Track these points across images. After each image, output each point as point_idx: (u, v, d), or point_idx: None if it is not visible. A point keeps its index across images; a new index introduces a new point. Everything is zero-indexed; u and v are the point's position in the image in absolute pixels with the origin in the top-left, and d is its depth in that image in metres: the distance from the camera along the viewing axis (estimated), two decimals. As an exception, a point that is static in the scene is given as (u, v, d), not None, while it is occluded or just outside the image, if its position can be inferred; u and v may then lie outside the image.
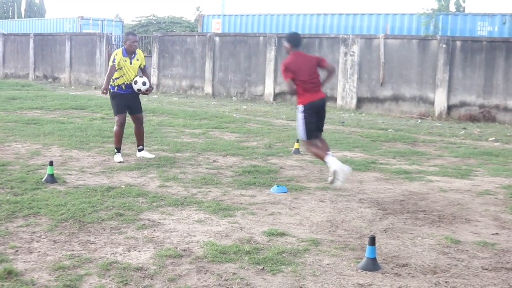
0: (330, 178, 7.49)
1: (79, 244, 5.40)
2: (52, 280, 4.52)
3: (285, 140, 12.31)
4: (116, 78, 9.45)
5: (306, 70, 7.88)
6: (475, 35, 22.70)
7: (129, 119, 9.87)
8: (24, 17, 59.85)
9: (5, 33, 36.70)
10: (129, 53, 9.51)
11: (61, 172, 8.40)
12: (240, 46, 23.56)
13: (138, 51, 9.66)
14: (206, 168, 9.16)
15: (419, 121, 17.87)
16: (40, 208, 6.46)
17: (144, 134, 10.12)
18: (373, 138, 13.10)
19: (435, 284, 4.71)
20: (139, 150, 9.90)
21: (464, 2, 28.94)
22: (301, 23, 28.05)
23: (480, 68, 18.20)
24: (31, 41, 31.32)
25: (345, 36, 21.03)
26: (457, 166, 10.08)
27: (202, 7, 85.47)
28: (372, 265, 4.96)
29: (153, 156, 9.84)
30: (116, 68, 9.38)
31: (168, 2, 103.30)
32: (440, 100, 18.73)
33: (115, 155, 9.55)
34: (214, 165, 9.46)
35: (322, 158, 7.71)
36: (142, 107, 10.04)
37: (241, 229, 6.02)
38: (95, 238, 5.59)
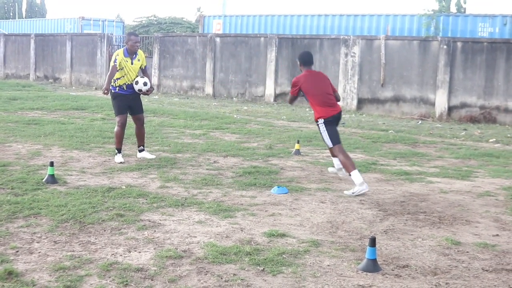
0: (349, 192, 7.92)
1: (79, 244, 5.40)
2: (52, 281, 4.52)
3: (286, 141, 12.31)
4: (117, 79, 9.46)
5: (320, 86, 8.40)
6: (476, 36, 22.72)
7: (129, 119, 9.87)
8: (25, 18, 59.88)
9: (6, 33, 36.74)
10: (130, 53, 9.51)
11: (62, 172, 8.40)
12: (241, 46, 23.57)
13: (139, 52, 9.66)
14: (207, 169, 9.16)
15: (420, 122, 17.88)
16: (40, 209, 6.46)
17: (145, 135, 10.12)
18: (374, 139, 13.09)
19: (435, 286, 4.71)
20: (140, 151, 9.90)
21: (465, 3, 28.99)
22: (302, 24, 28.08)
23: (481, 69, 18.20)
24: (32, 41, 31.33)
25: (346, 37, 21.03)
26: (457, 167, 10.08)
27: (203, 8, 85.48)
28: (373, 266, 4.96)
29: (153, 156, 9.84)
30: (118, 69, 9.39)
31: (169, 3, 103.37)
32: (440, 101, 18.73)
33: (116, 156, 9.55)
34: (214, 166, 9.46)
35: (348, 170, 8.02)
36: (143, 107, 10.04)
37: (242, 230, 6.02)
38: (96, 238, 5.59)
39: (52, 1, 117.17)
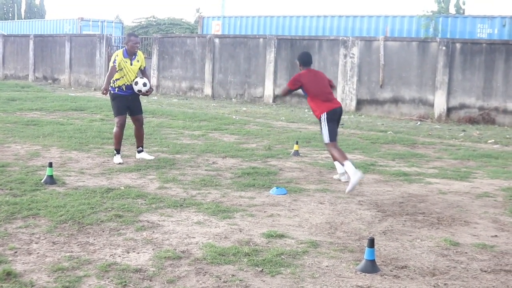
0: (341, 178, 8.51)
1: (78, 245, 5.40)
2: (51, 282, 4.52)
3: (285, 142, 12.31)
4: (116, 79, 9.46)
5: (320, 85, 8.74)
6: (474, 37, 22.73)
7: (128, 120, 9.88)
8: (24, 18, 59.82)
9: (5, 34, 36.72)
10: (130, 54, 9.52)
11: (61, 173, 8.40)
12: (239, 47, 23.57)
13: (139, 53, 9.67)
14: (206, 170, 9.16)
15: (419, 123, 17.88)
16: (39, 210, 6.46)
17: (144, 136, 10.12)
18: (373, 140, 13.10)
19: (434, 286, 4.71)
20: (139, 152, 9.90)
21: (464, 4, 28.99)
22: (301, 25, 28.09)
23: (480, 70, 18.21)
24: (31, 42, 31.32)
25: (345, 38, 21.04)
26: (456, 168, 10.09)
27: (202, 9, 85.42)
28: (371, 267, 4.96)
29: (152, 157, 9.84)
30: (117, 69, 9.39)
31: (168, 4, 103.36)
32: (439, 102, 18.73)
33: (115, 157, 9.55)
34: (213, 166, 9.46)
35: (341, 162, 8.32)
36: (142, 108, 10.03)
37: (240, 231, 6.02)
38: (94, 239, 5.59)
39: (51, 2, 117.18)
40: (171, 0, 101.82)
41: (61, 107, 17.37)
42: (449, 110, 18.62)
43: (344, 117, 18.13)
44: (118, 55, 9.44)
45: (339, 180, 8.77)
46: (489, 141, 13.88)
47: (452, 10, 28.77)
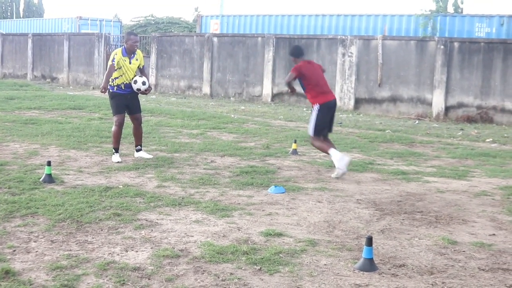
0: (334, 174, 8.82)
1: (76, 244, 5.41)
2: (49, 280, 4.53)
3: (283, 141, 12.32)
4: (115, 78, 9.46)
5: (317, 75, 9.24)
6: (473, 36, 22.73)
7: (127, 119, 9.88)
8: (23, 17, 59.78)
9: (4, 33, 36.66)
10: (129, 53, 9.52)
11: (59, 172, 8.41)
12: (238, 46, 23.57)
13: (138, 51, 9.67)
14: (204, 169, 9.17)
15: (417, 122, 17.89)
16: (37, 208, 6.46)
17: (142, 134, 10.12)
18: (371, 139, 13.11)
19: (432, 285, 4.72)
20: (137, 150, 9.90)
21: (462, 3, 28.99)
22: (299, 24, 28.07)
23: (478, 69, 18.22)
24: (30, 41, 31.30)
25: (343, 37, 21.05)
26: (454, 167, 10.10)
27: (201, 8, 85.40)
28: (369, 266, 4.97)
29: (151, 156, 9.84)
30: (115, 68, 9.39)
31: (167, 3, 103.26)
32: (437, 101, 18.75)
33: (113, 155, 9.56)
34: (211, 165, 9.47)
35: (325, 151, 8.95)
36: (141, 107, 10.04)
37: (239, 230, 6.03)
38: (93, 238, 5.59)
39: (49, 1, 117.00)
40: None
41: (59, 106, 17.36)
42: (447, 109, 18.64)
43: (342, 116, 18.17)
44: (117, 54, 9.44)
45: (337, 178, 8.83)
46: (487, 140, 13.90)
47: (450, 9, 28.77)
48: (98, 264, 4.87)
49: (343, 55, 20.61)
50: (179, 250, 5.31)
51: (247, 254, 5.23)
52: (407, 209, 7.15)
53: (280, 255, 5.25)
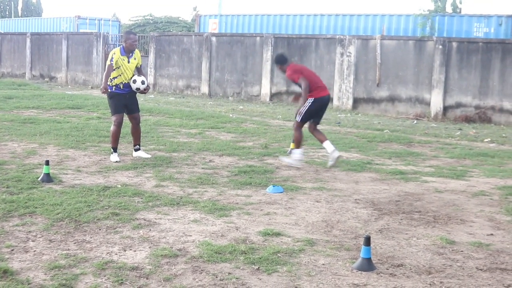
0: (284, 158, 9.67)
1: (74, 243, 5.41)
2: (47, 279, 4.53)
3: (281, 140, 12.32)
4: (114, 78, 9.46)
5: (309, 71, 9.84)
6: (471, 36, 22.76)
7: (125, 118, 9.87)
8: (21, 16, 59.72)
9: (2, 32, 36.66)
10: (127, 52, 9.52)
11: (57, 171, 8.40)
12: (236, 46, 23.57)
13: (136, 51, 9.68)
14: (202, 168, 9.17)
15: (415, 121, 17.91)
16: (36, 207, 6.46)
17: (141, 134, 10.12)
18: (369, 139, 13.12)
19: (430, 285, 4.73)
20: (136, 150, 9.90)
21: (460, 3, 29.03)
22: (297, 24, 28.08)
23: (476, 69, 18.24)
24: (28, 40, 31.27)
25: (342, 36, 21.06)
26: (452, 167, 10.11)
27: (199, 7, 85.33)
28: (367, 265, 4.97)
29: (149, 156, 9.84)
30: (114, 67, 9.39)
31: (165, 2, 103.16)
32: (436, 101, 18.76)
33: (111, 155, 9.55)
34: (210, 165, 9.47)
35: (297, 145, 9.57)
36: (139, 106, 10.04)
37: (237, 229, 6.03)
38: (91, 237, 5.59)
39: (48, 0, 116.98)
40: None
41: (58, 105, 17.35)
42: (446, 108, 18.65)
43: (340, 116, 18.19)
44: (116, 53, 9.44)
45: (333, 164, 9.53)
46: (485, 140, 13.91)
47: (448, 9, 28.81)
48: (96, 264, 4.87)
49: (342, 54, 20.61)
50: (177, 250, 5.31)
51: (245, 253, 5.23)
52: (405, 209, 7.15)
53: (278, 254, 5.26)
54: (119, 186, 7.70)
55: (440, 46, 18.68)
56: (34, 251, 5.17)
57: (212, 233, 5.85)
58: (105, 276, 4.65)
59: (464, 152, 11.66)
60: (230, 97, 23.42)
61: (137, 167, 8.99)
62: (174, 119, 15.47)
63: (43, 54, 30.70)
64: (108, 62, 9.45)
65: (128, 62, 9.49)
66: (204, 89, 24.35)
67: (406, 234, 6.10)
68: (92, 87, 27.27)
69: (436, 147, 12.38)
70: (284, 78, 21.76)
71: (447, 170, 9.76)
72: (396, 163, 10.33)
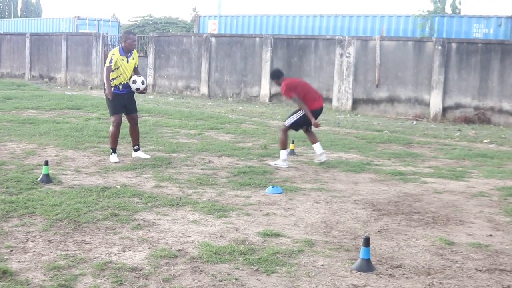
0: (272, 163, 9.80)
1: (74, 244, 5.40)
2: (46, 280, 4.53)
3: (281, 141, 12.30)
4: (113, 79, 9.46)
5: (303, 84, 10.19)
6: (470, 37, 22.76)
7: (124, 119, 9.86)
8: (21, 17, 59.75)
9: (1, 32, 36.67)
10: (126, 51, 9.53)
11: (57, 172, 8.40)
12: (236, 47, 23.57)
13: (134, 50, 9.70)
14: (202, 169, 9.17)
15: (415, 122, 17.91)
16: (35, 208, 6.46)
17: (140, 134, 10.12)
18: (369, 140, 13.12)
19: (429, 285, 4.73)
20: (135, 150, 9.90)
21: (460, 4, 29.04)
22: (297, 24, 28.09)
23: (476, 70, 18.25)
24: (27, 40, 31.27)
25: (341, 37, 21.06)
26: (451, 167, 10.11)
27: (199, 8, 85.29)
28: (367, 266, 4.97)
29: (148, 156, 9.84)
30: (113, 68, 9.39)
31: (165, 3, 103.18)
32: (435, 101, 18.77)
33: (111, 155, 9.55)
34: (209, 165, 9.47)
35: (282, 147, 9.77)
36: (138, 107, 10.05)
37: (236, 230, 6.03)
38: (90, 238, 5.59)
39: (47, 1, 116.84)
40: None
41: (57, 105, 17.35)
42: (445, 109, 18.66)
43: (340, 117, 18.20)
44: (115, 54, 9.43)
45: (320, 160, 9.98)
46: (485, 141, 13.92)
47: (448, 10, 28.83)
48: (96, 264, 4.87)
49: (341, 55, 20.62)
50: (177, 250, 5.31)
51: (245, 254, 5.23)
52: (404, 209, 7.15)
53: (278, 255, 5.26)
54: (119, 186, 7.70)
55: (440, 47, 18.69)
56: (33, 251, 5.17)
57: (211, 234, 5.85)
58: (104, 276, 4.65)
59: (463, 153, 11.66)
60: (229, 98, 23.42)
61: (136, 168, 8.99)
62: (173, 119, 15.47)
63: (42, 55, 30.70)
64: (107, 64, 9.44)
65: (127, 62, 9.50)
66: (204, 89, 24.35)
67: (405, 235, 6.10)
68: (91, 88, 27.27)
69: (435, 148, 12.38)
70: (283, 79, 21.76)
71: (447, 171, 9.76)
72: (396, 164, 10.33)
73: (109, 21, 41.53)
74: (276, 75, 10.11)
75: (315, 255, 5.34)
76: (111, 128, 9.60)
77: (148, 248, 5.37)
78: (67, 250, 5.22)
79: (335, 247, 5.59)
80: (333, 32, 25.91)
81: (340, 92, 20.63)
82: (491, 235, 6.24)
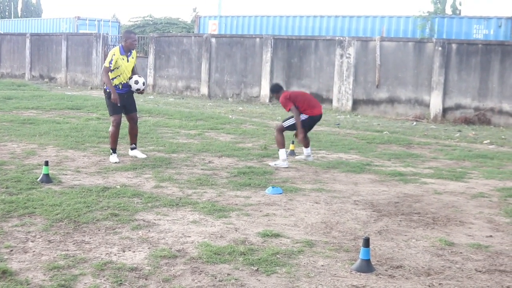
0: (272, 163, 9.84)
1: (74, 244, 5.40)
2: (46, 280, 4.53)
3: (281, 142, 12.30)
4: (112, 78, 9.46)
5: (302, 94, 10.39)
6: (470, 38, 22.78)
7: (124, 119, 9.86)
8: (21, 17, 59.76)
9: (2, 32, 36.68)
10: (126, 51, 9.55)
11: (57, 172, 8.40)
12: (236, 47, 23.58)
13: (133, 50, 9.72)
14: (202, 169, 9.17)
15: (415, 123, 17.91)
16: (35, 208, 6.46)
17: (139, 134, 10.13)
18: (369, 140, 13.12)
19: (429, 286, 4.73)
20: (132, 149, 9.92)
21: (460, 5, 29.05)
22: (297, 25, 28.11)
23: (476, 71, 18.26)
24: (28, 41, 31.28)
25: (341, 38, 21.07)
26: (451, 168, 10.11)
27: (199, 8, 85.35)
28: (366, 267, 4.97)
29: (144, 156, 9.84)
30: (112, 68, 9.39)
31: (165, 3, 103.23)
32: (435, 102, 18.77)
33: (111, 156, 9.55)
34: (209, 166, 9.47)
35: (279, 146, 9.87)
36: (138, 108, 10.06)
37: (236, 230, 6.03)
38: (90, 238, 5.59)
39: (47, 1, 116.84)
40: (168, 0, 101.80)
41: (57, 106, 17.35)
42: (445, 110, 18.67)
43: (340, 117, 18.20)
44: (115, 54, 9.43)
45: (305, 160, 10.26)
46: (485, 142, 13.92)
47: (448, 10, 28.85)
48: (95, 264, 4.87)
49: (341, 56, 20.62)
50: (177, 251, 5.31)
51: (244, 254, 5.23)
52: (404, 210, 7.15)
53: (277, 256, 5.26)
54: (118, 187, 7.70)
55: (440, 48, 18.70)
56: (33, 251, 5.17)
57: (211, 234, 5.85)
58: (104, 276, 4.65)
59: (463, 154, 11.66)
60: (229, 98, 23.43)
61: (136, 168, 8.99)
62: (173, 120, 15.47)
63: (42, 55, 30.71)
64: (106, 64, 9.43)
65: (127, 61, 9.52)
66: (204, 90, 24.35)
67: (405, 235, 6.10)
68: (91, 88, 27.27)
69: (435, 149, 12.38)
70: (283, 80, 21.81)
71: (446, 171, 9.76)
72: (396, 164, 10.34)
73: (109, 21, 41.56)
74: (275, 90, 10.31)
75: (315, 255, 5.34)
76: (111, 128, 9.60)
77: (148, 248, 5.37)
78: (67, 250, 5.22)
79: (335, 248, 5.59)
80: (333, 33, 25.92)
81: (340, 92, 20.63)
82: (491, 236, 6.24)
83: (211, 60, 24.19)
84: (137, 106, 10.11)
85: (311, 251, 5.46)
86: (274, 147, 11.61)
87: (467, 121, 18.00)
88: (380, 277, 4.87)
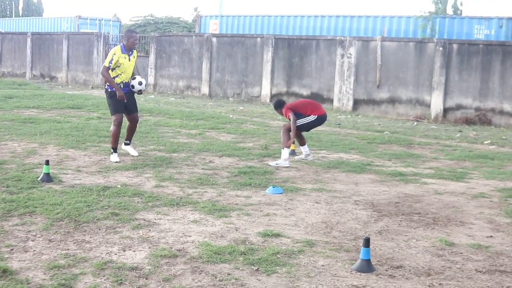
0: (273, 163, 9.84)
1: (74, 243, 5.41)
2: (47, 279, 4.53)
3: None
4: (114, 77, 9.47)
5: (303, 101, 10.88)
6: (471, 38, 22.75)
7: (124, 118, 9.86)
8: (22, 16, 59.76)
9: (3, 31, 36.66)
10: (128, 50, 9.55)
11: (57, 171, 8.40)
12: (237, 47, 23.58)
13: (134, 50, 9.73)
14: (202, 169, 9.17)
15: (415, 123, 17.91)
16: (35, 207, 6.46)
17: (140, 134, 10.15)
18: (369, 140, 13.12)
19: (429, 286, 4.73)
20: (125, 144, 9.97)
21: (461, 5, 29.04)
22: (298, 25, 28.09)
23: (477, 71, 18.25)
24: (29, 40, 31.28)
25: (342, 38, 21.06)
26: (452, 168, 10.11)
27: (200, 8, 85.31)
28: (367, 267, 4.98)
29: (136, 153, 9.90)
30: (112, 67, 9.40)
31: (166, 3, 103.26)
32: (436, 102, 18.77)
33: (112, 155, 9.56)
34: (210, 165, 9.47)
35: (284, 144, 9.90)
36: (139, 107, 10.06)
37: (236, 230, 6.03)
38: (91, 237, 5.60)
39: (49, 0, 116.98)
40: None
41: (58, 105, 17.35)
42: (446, 110, 18.66)
43: (341, 117, 18.20)
44: (116, 53, 9.43)
45: (305, 159, 10.30)
46: (485, 142, 13.91)
47: (449, 11, 28.84)
48: (96, 264, 4.87)
49: (342, 56, 20.61)
50: (177, 250, 5.32)
51: (245, 254, 5.24)
52: (404, 210, 7.16)
53: (278, 255, 5.26)
54: (119, 186, 7.70)
55: (441, 48, 18.69)
56: (34, 250, 5.17)
57: (212, 234, 5.85)
58: (104, 276, 4.65)
59: (464, 154, 11.66)
60: (230, 98, 23.43)
61: (137, 167, 8.99)
62: (174, 119, 15.47)
63: (43, 54, 30.71)
64: (106, 64, 9.42)
65: (129, 60, 9.53)
66: (205, 89, 24.35)
67: (406, 235, 6.11)
68: (92, 87, 27.27)
69: (436, 149, 12.38)
70: (284, 79, 21.81)
71: (447, 172, 9.76)
72: (396, 164, 10.34)
73: (110, 20, 41.56)
74: (279, 105, 10.42)
75: (315, 255, 5.35)
76: (112, 128, 9.61)
77: (149, 247, 5.37)
78: (68, 249, 5.22)
79: (335, 248, 5.59)
80: (334, 33, 25.90)
81: (341, 92, 20.63)
82: (491, 236, 6.24)
83: (212, 60, 24.19)
84: (137, 106, 10.11)
85: (311, 251, 5.46)
86: (274, 146, 11.62)
87: (468, 122, 17.99)
88: (381, 277, 4.88)
